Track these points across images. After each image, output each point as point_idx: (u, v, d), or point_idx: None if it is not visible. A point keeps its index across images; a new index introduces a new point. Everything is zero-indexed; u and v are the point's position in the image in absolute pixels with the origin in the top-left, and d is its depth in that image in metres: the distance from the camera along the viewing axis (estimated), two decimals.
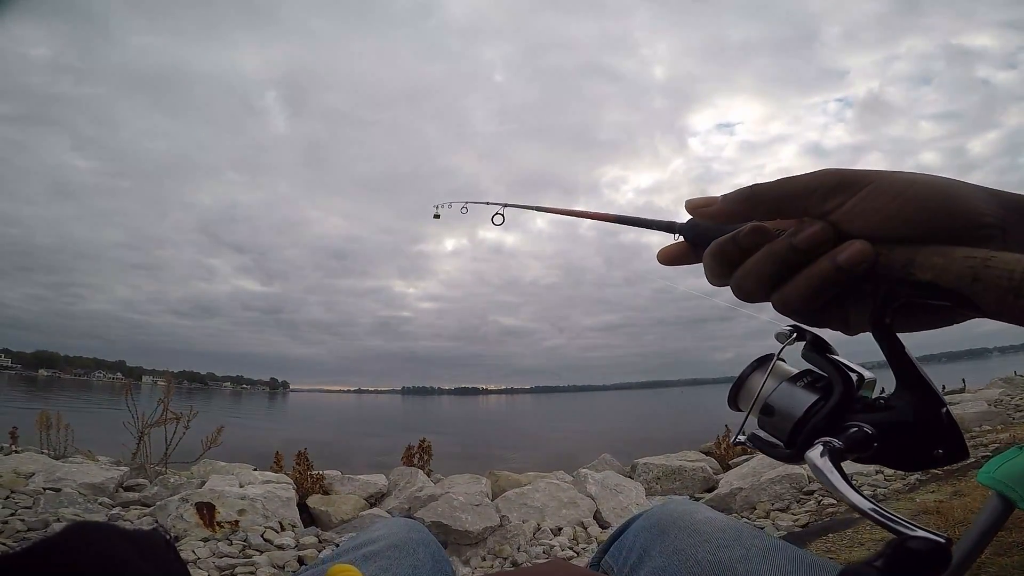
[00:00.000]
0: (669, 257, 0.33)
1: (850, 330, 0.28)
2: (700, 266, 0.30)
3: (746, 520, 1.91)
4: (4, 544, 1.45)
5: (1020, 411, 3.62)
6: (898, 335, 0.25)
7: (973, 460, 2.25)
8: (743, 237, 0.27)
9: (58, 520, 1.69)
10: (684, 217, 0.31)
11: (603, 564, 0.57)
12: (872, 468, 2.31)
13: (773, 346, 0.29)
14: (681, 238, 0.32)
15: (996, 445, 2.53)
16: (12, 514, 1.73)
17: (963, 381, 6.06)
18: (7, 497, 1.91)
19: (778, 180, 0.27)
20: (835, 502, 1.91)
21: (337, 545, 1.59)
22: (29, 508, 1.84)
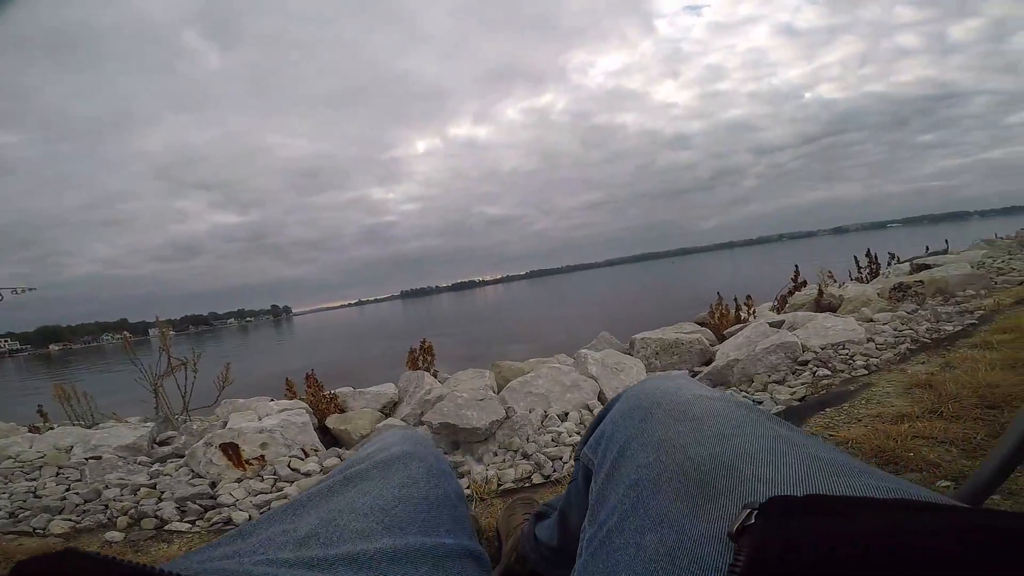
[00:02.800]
0: None
1: None
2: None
3: (744, 394, 1.99)
4: (70, 519, 1.51)
5: (1002, 275, 3.62)
6: None
7: (960, 328, 2.30)
8: None
9: (106, 487, 1.75)
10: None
11: (582, 456, 0.49)
12: (864, 336, 2.38)
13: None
14: None
15: (981, 312, 2.56)
16: (67, 489, 1.79)
17: (946, 242, 6.13)
18: (57, 474, 1.98)
19: None
20: (830, 374, 1.98)
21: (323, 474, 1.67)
22: (79, 480, 1.91)
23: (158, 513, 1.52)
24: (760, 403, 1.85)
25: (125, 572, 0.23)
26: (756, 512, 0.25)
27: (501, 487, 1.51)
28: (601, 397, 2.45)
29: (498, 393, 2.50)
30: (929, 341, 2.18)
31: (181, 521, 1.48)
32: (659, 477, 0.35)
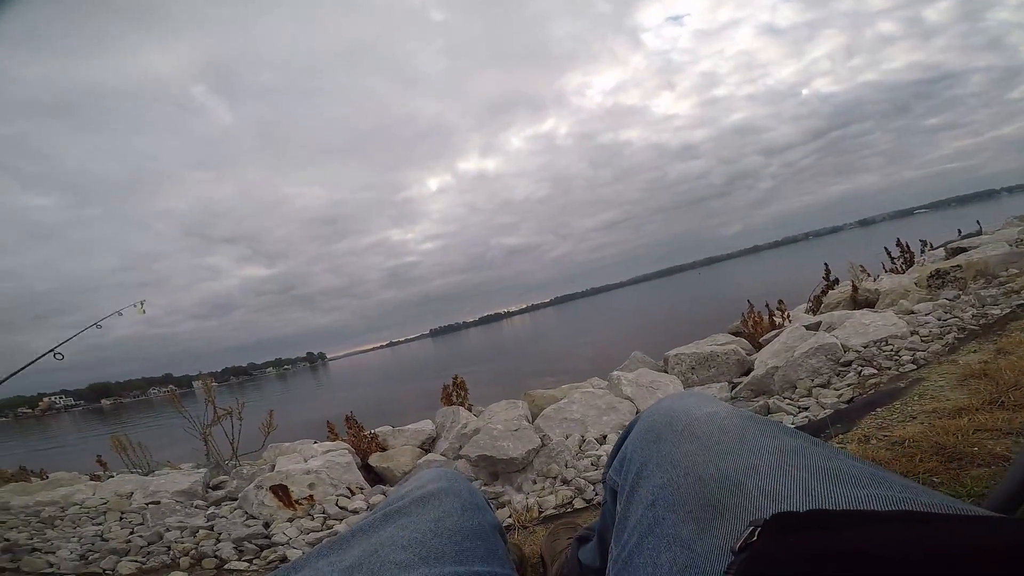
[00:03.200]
0: None
1: None
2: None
3: (789, 401, 1.94)
4: (136, 560, 1.58)
5: None
6: None
7: (1009, 311, 2.20)
8: None
9: (167, 530, 1.83)
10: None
11: (608, 480, 0.52)
12: (907, 329, 2.29)
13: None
14: None
15: None
16: (131, 532, 1.88)
17: (978, 223, 5.83)
18: (120, 518, 2.08)
19: None
20: (876, 372, 1.91)
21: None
22: (141, 524, 2.00)
23: (217, 553, 1.57)
24: (806, 409, 1.80)
25: None
26: (759, 529, 0.26)
27: (543, 514, 1.51)
28: None
29: (532, 422, 2.50)
30: (977, 328, 2.08)
31: (239, 560, 1.53)
32: (672, 497, 0.37)
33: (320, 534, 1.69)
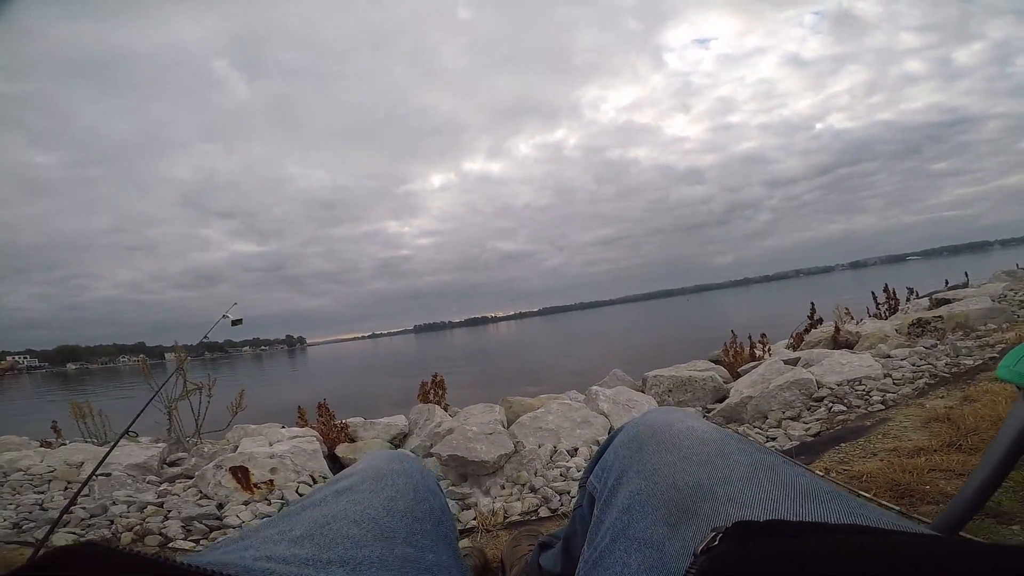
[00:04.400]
0: None
1: None
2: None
3: (759, 431, 1.95)
4: (74, 533, 1.53)
5: None
6: None
7: (980, 362, 2.25)
8: None
9: (113, 503, 1.77)
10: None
11: (588, 485, 0.53)
12: (881, 371, 2.33)
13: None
14: None
15: (1003, 345, 2.51)
16: (74, 504, 1.81)
17: (966, 275, 5.96)
18: (65, 488, 2.00)
19: None
20: (846, 410, 1.94)
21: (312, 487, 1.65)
22: (87, 495, 1.93)
23: (163, 531, 1.53)
24: (774, 439, 1.81)
25: (139, 562, 0.25)
26: (721, 535, 0.28)
27: (507, 519, 1.50)
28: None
29: (507, 428, 2.50)
30: (948, 376, 2.13)
31: (185, 540, 1.48)
32: (647, 502, 0.39)
33: None
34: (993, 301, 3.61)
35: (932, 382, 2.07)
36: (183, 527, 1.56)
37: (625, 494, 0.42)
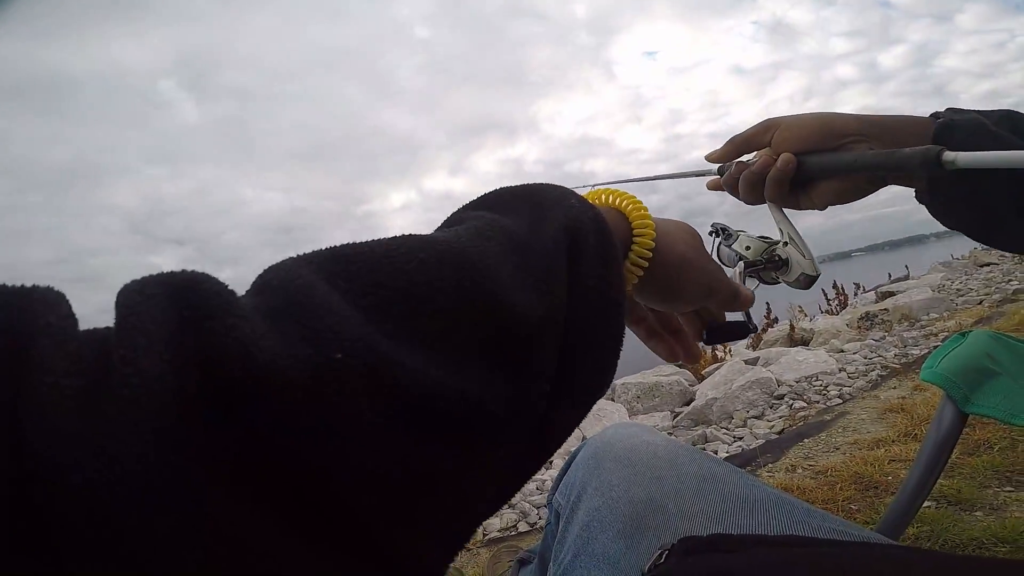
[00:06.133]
0: (713, 186, 0.47)
1: (816, 207, 0.42)
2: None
3: (725, 431, 2.00)
4: None
5: (961, 295, 3.78)
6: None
7: (926, 352, 2.39)
8: (731, 172, 0.43)
9: None
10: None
11: (553, 502, 0.53)
12: (836, 366, 2.44)
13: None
14: (717, 176, 0.47)
15: (945, 334, 2.68)
16: None
17: (907, 268, 6.36)
18: None
19: (745, 130, 0.43)
20: (806, 406, 2.03)
21: None
22: None
23: None
24: (741, 438, 1.86)
25: None
26: (667, 552, 0.29)
27: (487, 536, 1.48)
28: None
29: None
30: (899, 366, 2.25)
31: None
32: (605, 519, 0.40)
33: None
34: (933, 291, 3.87)
35: (884, 373, 2.19)
36: None
37: (585, 510, 0.43)
